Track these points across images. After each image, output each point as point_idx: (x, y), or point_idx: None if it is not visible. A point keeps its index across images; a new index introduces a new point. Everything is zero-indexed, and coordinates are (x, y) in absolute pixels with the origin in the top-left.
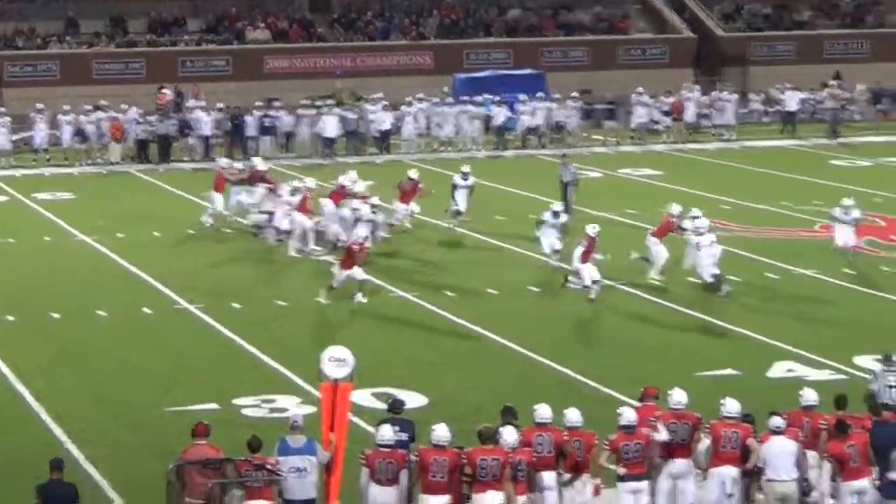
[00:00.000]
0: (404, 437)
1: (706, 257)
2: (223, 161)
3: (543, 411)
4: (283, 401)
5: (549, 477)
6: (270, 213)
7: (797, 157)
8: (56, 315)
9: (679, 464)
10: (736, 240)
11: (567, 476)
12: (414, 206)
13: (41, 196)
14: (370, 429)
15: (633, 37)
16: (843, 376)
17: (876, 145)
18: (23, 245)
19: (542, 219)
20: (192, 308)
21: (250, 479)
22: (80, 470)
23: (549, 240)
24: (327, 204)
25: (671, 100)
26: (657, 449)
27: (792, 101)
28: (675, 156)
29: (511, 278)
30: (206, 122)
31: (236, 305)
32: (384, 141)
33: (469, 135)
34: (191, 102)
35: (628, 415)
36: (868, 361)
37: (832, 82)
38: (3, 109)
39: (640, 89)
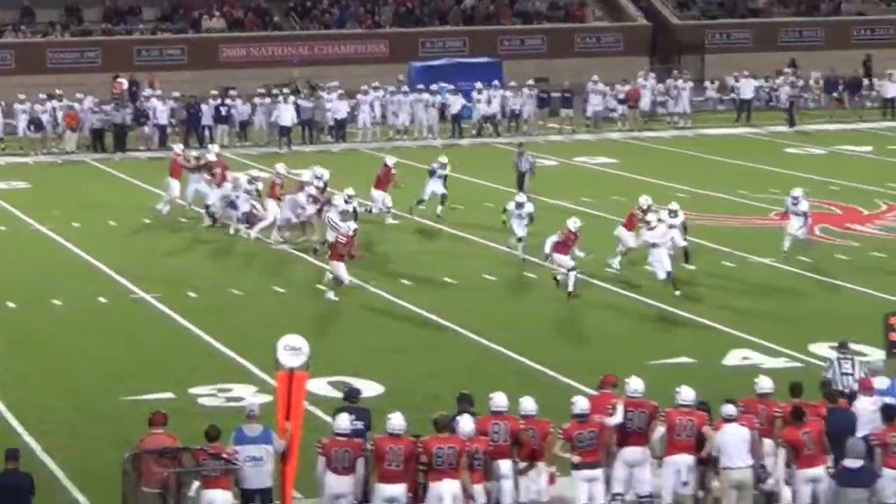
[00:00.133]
0: (360, 425)
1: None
2: (177, 147)
3: (499, 400)
4: (239, 390)
5: (505, 465)
6: (234, 202)
7: (752, 145)
8: (11, 304)
9: (635, 452)
10: (692, 228)
11: (523, 464)
12: (387, 198)
13: None
14: (326, 418)
15: (589, 25)
16: (798, 364)
17: (830, 133)
18: None
19: (506, 208)
20: (147, 297)
21: (207, 468)
22: (35, 459)
23: (520, 228)
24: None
25: (627, 88)
26: (613, 436)
27: (747, 88)
28: (631, 144)
29: (467, 267)
30: (161, 110)
31: (192, 294)
32: (340, 129)
33: (424, 123)
34: (146, 91)
35: (581, 403)
36: (823, 349)
37: (787, 70)
38: None
39: (596, 77)
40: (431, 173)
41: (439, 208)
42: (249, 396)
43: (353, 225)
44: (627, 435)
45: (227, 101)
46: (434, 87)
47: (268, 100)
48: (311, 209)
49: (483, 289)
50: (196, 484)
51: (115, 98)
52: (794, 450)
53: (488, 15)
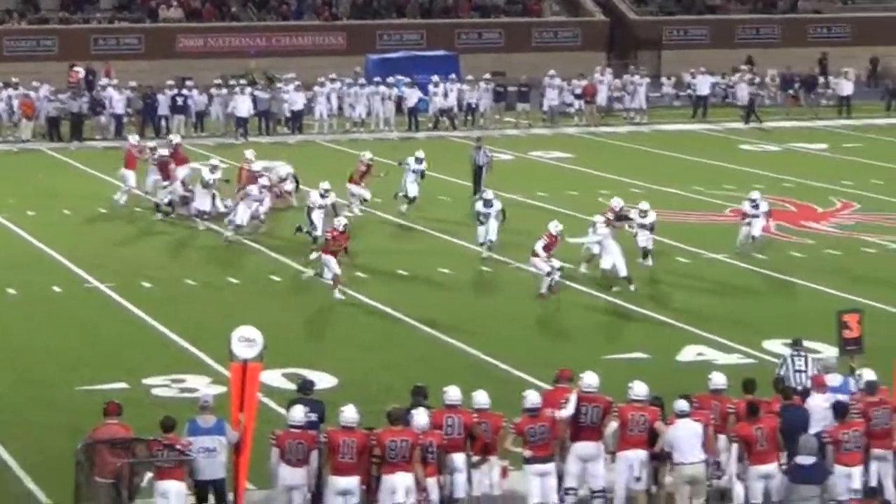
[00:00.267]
0: (314, 417)
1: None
2: (132, 138)
3: (453, 393)
4: (192, 381)
5: (458, 459)
6: (189, 195)
7: (708, 142)
8: None
9: (588, 446)
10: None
11: (476, 458)
12: (365, 192)
13: None
14: (280, 409)
15: (547, 19)
16: (752, 360)
17: (786, 130)
18: None
19: (476, 209)
20: (102, 287)
21: (160, 458)
22: None
23: (492, 228)
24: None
25: (583, 83)
26: (567, 430)
27: (703, 85)
28: (587, 139)
29: (423, 260)
30: (118, 100)
31: (147, 285)
32: (296, 121)
33: (381, 116)
34: (103, 80)
35: (532, 397)
36: (777, 346)
37: (743, 67)
38: None
39: (553, 72)
40: (405, 167)
41: (405, 206)
42: (203, 387)
43: (343, 220)
44: (581, 430)
45: (184, 91)
46: (391, 79)
47: (224, 91)
48: (268, 200)
49: (438, 282)
50: (149, 475)
51: (71, 87)
52: (747, 445)
53: (446, 8)
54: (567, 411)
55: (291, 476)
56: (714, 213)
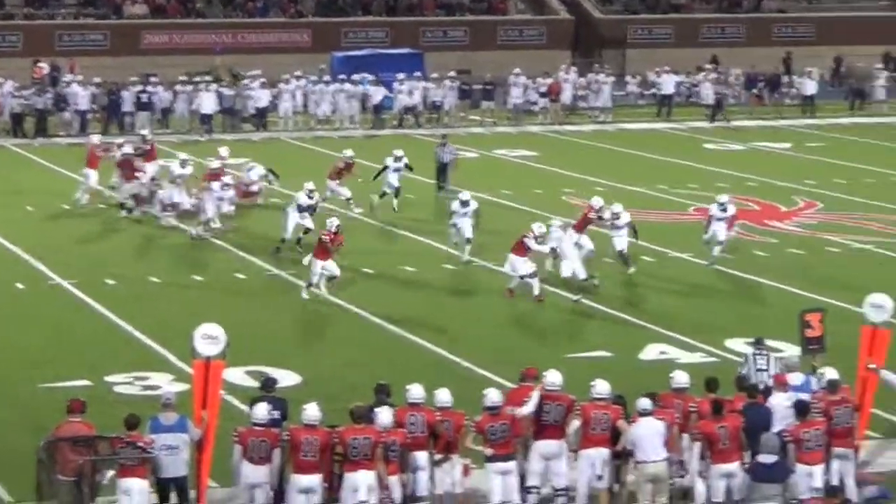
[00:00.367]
0: (277, 415)
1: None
2: (94, 138)
3: (416, 391)
4: (155, 378)
5: (421, 457)
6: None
7: (672, 141)
8: None
9: (551, 445)
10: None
11: (438, 456)
12: (345, 191)
13: None
14: (243, 407)
15: (512, 18)
16: (714, 359)
17: (750, 129)
18: None
19: (451, 210)
20: (65, 284)
21: (122, 456)
22: None
23: (467, 228)
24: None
25: (548, 81)
26: (530, 428)
27: (668, 84)
28: (551, 137)
29: (387, 258)
30: (82, 96)
31: (110, 282)
32: (261, 118)
33: (346, 113)
34: (67, 77)
35: (492, 396)
36: (739, 345)
37: (708, 66)
38: None
39: (518, 70)
40: (386, 168)
41: (394, 202)
42: (166, 385)
43: (335, 220)
44: (543, 428)
45: (149, 88)
46: (356, 77)
47: (189, 87)
48: (233, 196)
49: (402, 280)
50: (110, 472)
51: (35, 83)
52: (710, 444)
53: (411, 6)
54: (528, 409)
55: (254, 474)
56: (678, 213)
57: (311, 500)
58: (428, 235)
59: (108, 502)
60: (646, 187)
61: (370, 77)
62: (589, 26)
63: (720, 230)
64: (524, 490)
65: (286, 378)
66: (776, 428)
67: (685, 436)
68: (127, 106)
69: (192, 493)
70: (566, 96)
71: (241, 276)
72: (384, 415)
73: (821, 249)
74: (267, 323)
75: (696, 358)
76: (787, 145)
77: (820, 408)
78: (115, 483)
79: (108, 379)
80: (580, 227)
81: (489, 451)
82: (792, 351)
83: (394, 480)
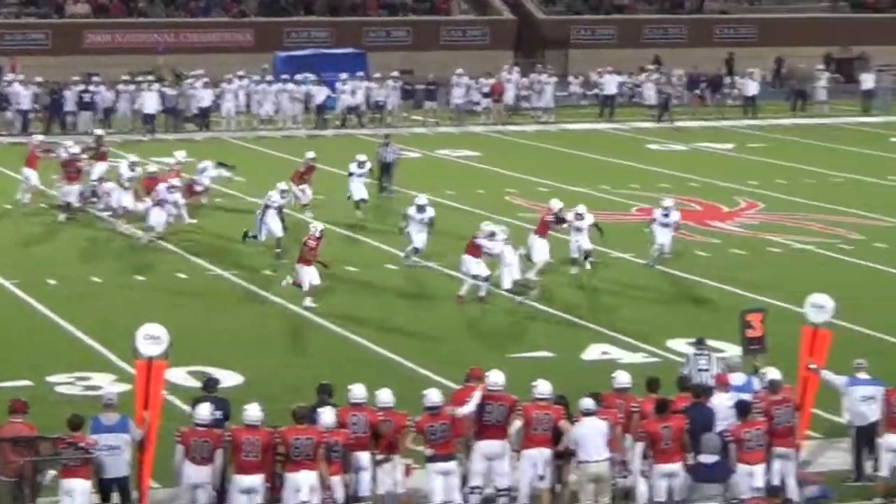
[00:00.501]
0: (219, 415)
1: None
2: (36, 138)
3: (358, 391)
4: (97, 378)
5: (363, 457)
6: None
7: (615, 141)
8: None
9: (493, 445)
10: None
11: (380, 456)
12: (307, 191)
13: None
14: (185, 407)
15: (455, 18)
16: (656, 359)
17: (692, 130)
18: None
19: (406, 213)
20: (6, 284)
21: (64, 457)
22: None
23: (419, 236)
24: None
25: (491, 81)
26: (472, 428)
27: (610, 84)
28: (494, 137)
29: (329, 258)
30: (24, 95)
31: (52, 282)
32: (204, 118)
33: (289, 113)
34: (8, 76)
35: (432, 396)
36: (681, 345)
37: (650, 67)
38: None
39: (461, 70)
40: (350, 175)
41: (359, 212)
42: (107, 385)
43: (319, 226)
44: (486, 428)
45: (91, 87)
46: (299, 77)
47: (132, 87)
48: (180, 198)
49: (345, 280)
50: (51, 472)
51: None
52: (653, 443)
53: (354, 6)
54: (468, 408)
55: (196, 474)
56: (621, 213)
57: (253, 501)
58: (370, 236)
59: (51, 503)
60: (588, 188)
61: (313, 77)
62: (532, 27)
63: (663, 236)
64: (467, 490)
65: (228, 378)
66: (717, 428)
67: (628, 436)
68: (69, 105)
69: (134, 494)
70: (509, 96)
71: (183, 276)
72: (326, 415)
73: (762, 250)
74: (209, 323)
75: (638, 358)
76: (729, 146)
77: (761, 408)
78: (58, 483)
79: (50, 379)
80: (542, 232)
81: (429, 452)
82: (733, 351)
83: (336, 481)
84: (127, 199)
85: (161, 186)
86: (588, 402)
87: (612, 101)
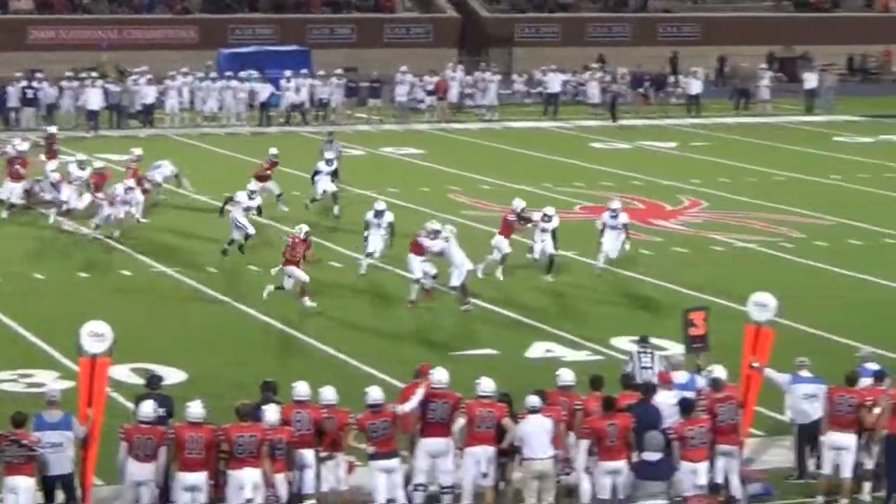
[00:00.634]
0: (162, 412)
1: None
2: None
3: (301, 389)
4: (40, 375)
5: (307, 455)
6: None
7: (559, 139)
8: None
9: (437, 442)
10: (495, 220)
11: (324, 454)
12: (273, 187)
13: None
14: (128, 404)
15: (399, 15)
16: (600, 357)
17: (635, 128)
18: None
19: (366, 219)
20: None
21: (8, 454)
22: None
23: (375, 241)
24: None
25: (435, 79)
26: (416, 426)
27: (554, 82)
28: (438, 135)
29: (272, 256)
30: None
31: None
32: (147, 115)
33: (233, 110)
34: None
35: (374, 394)
36: (625, 343)
37: (594, 65)
38: None
39: (404, 68)
40: (318, 173)
41: (335, 208)
42: (51, 382)
43: (304, 227)
44: (429, 426)
45: (34, 83)
46: (243, 74)
47: (75, 83)
48: (139, 195)
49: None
50: None
51: None
52: (598, 440)
53: (298, 3)
54: (409, 405)
55: (139, 471)
56: (564, 211)
57: (197, 498)
58: (313, 233)
59: None
60: (532, 186)
61: (257, 74)
62: (476, 25)
63: (612, 240)
64: (411, 488)
65: (172, 375)
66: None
67: (571, 433)
68: (12, 101)
69: (78, 491)
70: (453, 94)
71: (127, 273)
72: (270, 412)
73: (705, 248)
74: (153, 321)
75: (582, 356)
76: (673, 144)
77: (704, 405)
78: (2, 481)
79: None
80: (507, 232)
81: (371, 449)
82: (676, 349)
83: (280, 478)
84: (75, 198)
85: (119, 188)
86: (534, 400)
87: (556, 100)
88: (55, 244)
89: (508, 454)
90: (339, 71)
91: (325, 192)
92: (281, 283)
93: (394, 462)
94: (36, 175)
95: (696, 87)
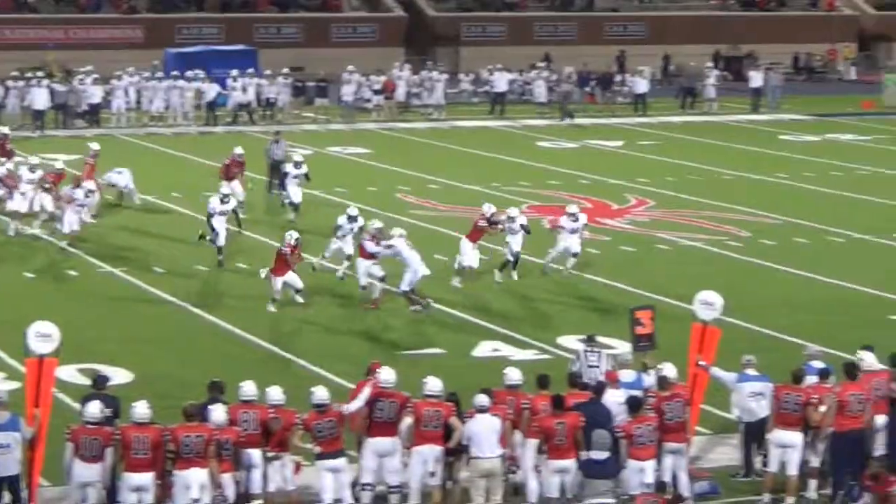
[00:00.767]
0: (109, 413)
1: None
2: None
3: (248, 388)
4: None
5: (255, 455)
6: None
7: (506, 138)
8: None
9: (384, 442)
10: (443, 220)
11: (271, 454)
12: (238, 188)
13: None
14: (75, 404)
15: (346, 15)
16: (547, 356)
17: (582, 127)
18: None
19: (337, 224)
20: None
21: None
22: None
23: (349, 247)
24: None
25: (382, 78)
26: (363, 424)
27: (501, 81)
28: (385, 134)
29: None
30: None
31: None
32: (94, 114)
33: (180, 110)
34: None
35: (320, 393)
36: (572, 342)
37: (541, 64)
38: None
39: (351, 67)
40: (286, 175)
41: (292, 214)
42: None
43: (294, 234)
44: (377, 425)
45: None
46: (189, 73)
47: (21, 83)
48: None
49: (236, 278)
50: None
51: None
52: (547, 439)
53: (245, 3)
54: (355, 404)
55: (86, 472)
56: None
57: (144, 499)
58: (260, 232)
59: None
60: (479, 185)
61: (203, 74)
62: (422, 24)
63: (574, 243)
64: (358, 487)
65: (118, 376)
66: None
67: (517, 432)
68: None
69: (24, 493)
70: (400, 93)
71: (74, 273)
72: (217, 412)
73: (651, 247)
74: (99, 320)
75: (529, 355)
76: (620, 143)
77: (652, 404)
78: None
79: None
80: (475, 237)
81: (317, 449)
82: (623, 348)
83: (227, 478)
84: (20, 200)
85: (79, 192)
86: (482, 399)
87: (503, 99)
88: (1, 245)
89: (456, 453)
90: (285, 70)
91: (290, 199)
92: (274, 295)
93: (340, 462)
94: None
95: (642, 86)
